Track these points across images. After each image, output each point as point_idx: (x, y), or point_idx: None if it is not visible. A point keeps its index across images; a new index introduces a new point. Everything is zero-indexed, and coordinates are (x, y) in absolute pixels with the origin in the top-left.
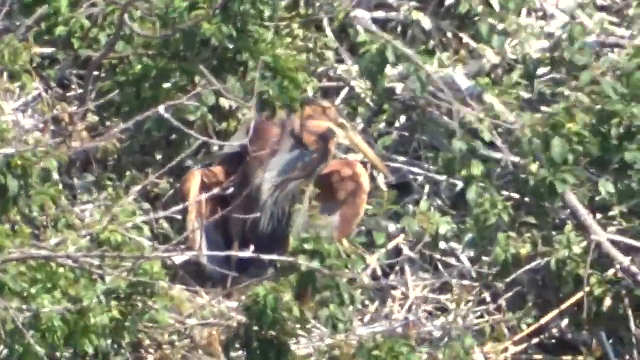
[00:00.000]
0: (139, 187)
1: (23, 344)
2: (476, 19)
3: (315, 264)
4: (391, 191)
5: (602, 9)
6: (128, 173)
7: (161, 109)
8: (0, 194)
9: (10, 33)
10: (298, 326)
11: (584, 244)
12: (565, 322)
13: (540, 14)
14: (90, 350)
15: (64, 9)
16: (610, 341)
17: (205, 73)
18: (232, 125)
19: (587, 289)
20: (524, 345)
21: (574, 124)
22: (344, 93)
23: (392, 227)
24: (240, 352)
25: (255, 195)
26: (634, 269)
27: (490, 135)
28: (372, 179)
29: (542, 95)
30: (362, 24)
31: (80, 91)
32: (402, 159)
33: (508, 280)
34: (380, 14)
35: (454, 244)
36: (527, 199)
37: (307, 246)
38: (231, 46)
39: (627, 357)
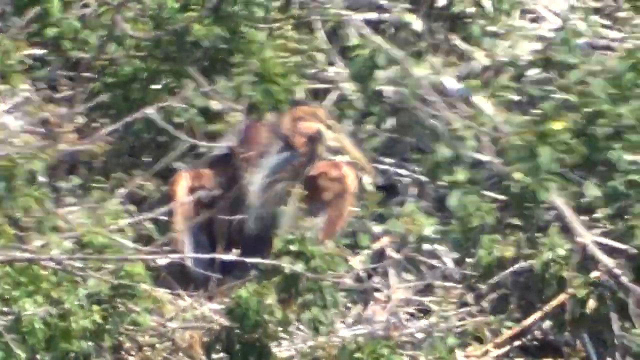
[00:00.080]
0: (124, 190)
1: (3, 347)
2: (468, 20)
3: (299, 266)
4: (377, 193)
5: (593, 11)
6: (114, 175)
7: (149, 110)
8: None
9: (1, 33)
10: (280, 329)
11: (568, 246)
12: (547, 324)
13: (532, 16)
14: (72, 353)
15: (55, 10)
16: (592, 343)
17: (194, 75)
18: (220, 126)
19: (571, 291)
20: (506, 348)
21: (560, 124)
22: (333, 95)
23: (376, 228)
24: (222, 355)
25: (241, 197)
26: (617, 271)
27: (475, 143)
28: (359, 180)
29: (532, 97)
30: (354, 25)
31: (69, 93)
32: (389, 160)
33: (491, 282)
34: (372, 16)
35: (437, 246)
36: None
37: (291, 247)
38: (223, 46)
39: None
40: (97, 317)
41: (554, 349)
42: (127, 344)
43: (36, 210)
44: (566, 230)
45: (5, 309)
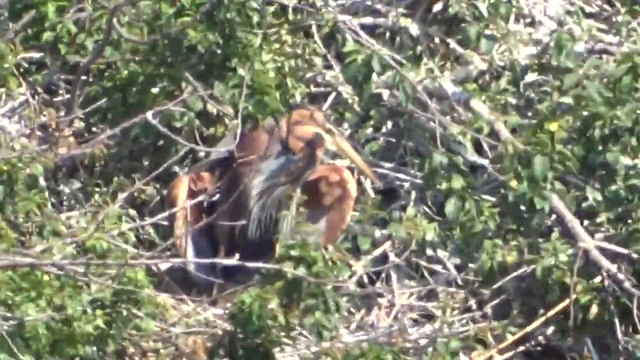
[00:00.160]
0: (125, 194)
1: (7, 352)
2: (464, 25)
3: (301, 271)
4: (376, 197)
5: (590, 15)
6: (115, 179)
7: (148, 115)
8: None
9: None
10: (283, 334)
11: (570, 251)
12: (550, 330)
13: (528, 20)
14: (76, 358)
15: (51, 14)
16: (595, 349)
17: (190, 80)
18: (219, 130)
19: (573, 297)
20: (510, 353)
21: (556, 124)
22: (331, 98)
23: (378, 233)
24: None
25: (242, 201)
26: (620, 275)
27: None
28: (359, 184)
29: (530, 101)
30: (350, 29)
31: (67, 96)
32: (388, 164)
33: (494, 287)
34: (368, 20)
35: (440, 251)
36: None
37: (293, 252)
38: (219, 51)
39: None
40: (101, 323)
41: (557, 354)
42: (131, 349)
43: (37, 214)
44: (568, 235)
45: (8, 314)
